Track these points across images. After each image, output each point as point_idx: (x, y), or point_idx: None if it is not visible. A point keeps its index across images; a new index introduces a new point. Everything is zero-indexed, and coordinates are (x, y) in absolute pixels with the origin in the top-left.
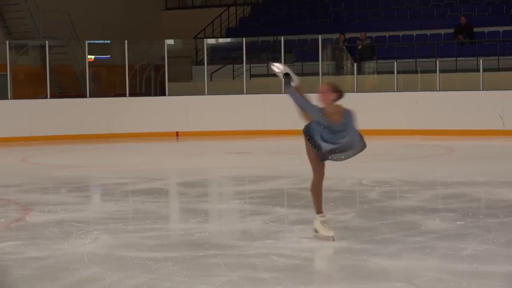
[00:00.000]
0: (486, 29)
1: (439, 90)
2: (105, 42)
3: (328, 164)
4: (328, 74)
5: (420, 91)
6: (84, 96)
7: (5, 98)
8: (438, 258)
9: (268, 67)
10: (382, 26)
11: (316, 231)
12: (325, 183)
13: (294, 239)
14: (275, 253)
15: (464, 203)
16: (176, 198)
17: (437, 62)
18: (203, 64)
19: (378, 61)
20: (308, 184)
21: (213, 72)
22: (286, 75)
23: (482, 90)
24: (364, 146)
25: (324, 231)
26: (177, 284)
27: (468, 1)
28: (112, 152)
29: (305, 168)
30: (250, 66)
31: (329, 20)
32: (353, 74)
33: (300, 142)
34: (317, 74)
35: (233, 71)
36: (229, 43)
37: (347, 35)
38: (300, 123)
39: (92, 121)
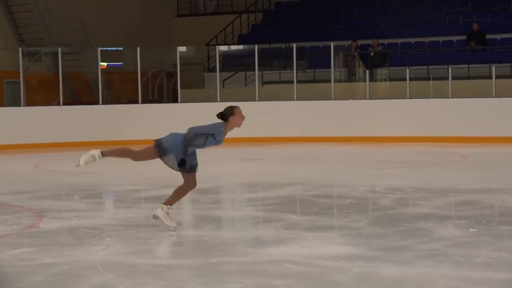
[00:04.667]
0: (498, 36)
1: (451, 97)
2: (118, 49)
3: (341, 171)
4: (340, 81)
5: (432, 98)
6: (96, 103)
7: (18, 105)
8: (451, 265)
9: (280, 75)
10: (394, 33)
11: (156, 217)
12: (339, 190)
13: (307, 246)
14: (288, 260)
15: (477, 210)
16: (189, 205)
17: (450, 69)
18: (215, 71)
19: (390, 68)
20: (321, 191)
21: (225, 79)
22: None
23: (495, 97)
24: None
25: (168, 221)
26: None
27: (480, 7)
28: (125, 159)
29: (318, 175)
30: (262, 73)
31: (341, 26)
32: (365, 81)
33: (312, 149)
34: (329, 81)
35: (245, 78)
36: (241, 50)
37: (359, 42)
38: (314, 130)
39: (104, 128)
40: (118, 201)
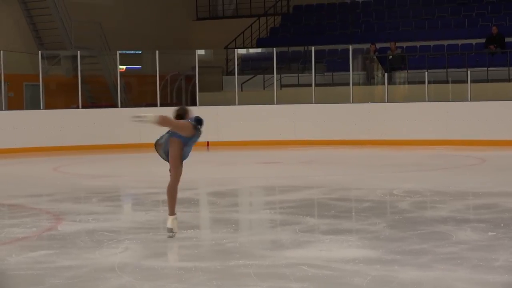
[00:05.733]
0: None
1: (470, 100)
2: (136, 52)
3: (359, 174)
4: (358, 84)
5: (451, 101)
6: (115, 106)
7: (38, 108)
8: (469, 269)
9: (299, 78)
10: (413, 36)
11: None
12: (356, 193)
13: (325, 250)
14: (305, 263)
15: (495, 214)
16: (207, 208)
17: (468, 72)
18: (234, 74)
19: (409, 71)
20: (339, 194)
21: (243, 82)
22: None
23: None
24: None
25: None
26: None
27: (499, 10)
28: (143, 162)
29: (335, 178)
30: (280, 76)
31: (359, 30)
32: (383, 84)
33: (330, 152)
34: (348, 84)
35: (264, 81)
36: (260, 53)
37: (378, 45)
38: (332, 133)
39: (123, 131)
40: (136, 204)
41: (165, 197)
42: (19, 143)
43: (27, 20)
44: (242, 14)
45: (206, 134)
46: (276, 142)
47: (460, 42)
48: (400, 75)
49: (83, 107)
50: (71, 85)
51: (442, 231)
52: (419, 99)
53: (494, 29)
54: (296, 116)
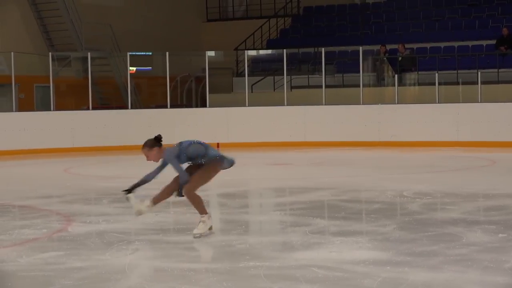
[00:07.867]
0: None
1: (480, 102)
2: (147, 54)
3: (369, 176)
4: (369, 85)
5: (461, 102)
6: (125, 107)
7: (48, 109)
8: (480, 270)
9: (309, 79)
10: (423, 37)
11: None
12: (367, 194)
13: (335, 251)
14: (315, 265)
15: (506, 215)
16: (217, 209)
17: (479, 73)
18: (244, 76)
19: (419, 72)
20: (349, 196)
21: (253, 84)
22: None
23: None
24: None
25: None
26: None
27: (510, 12)
28: (153, 163)
29: (346, 179)
30: (290, 77)
31: (370, 31)
32: (394, 85)
33: (340, 153)
34: (358, 85)
35: (274, 82)
36: (270, 55)
37: (388, 47)
38: (342, 135)
39: (133, 132)
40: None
41: (175, 198)
42: (30, 145)
43: (37, 21)
44: (252, 16)
45: (217, 135)
46: (286, 144)
47: (470, 43)
48: (411, 76)
49: (93, 108)
50: (81, 86)
51: (452, 232)
52: (430, 100)
53: (505, 30)
54: (306, 117)
